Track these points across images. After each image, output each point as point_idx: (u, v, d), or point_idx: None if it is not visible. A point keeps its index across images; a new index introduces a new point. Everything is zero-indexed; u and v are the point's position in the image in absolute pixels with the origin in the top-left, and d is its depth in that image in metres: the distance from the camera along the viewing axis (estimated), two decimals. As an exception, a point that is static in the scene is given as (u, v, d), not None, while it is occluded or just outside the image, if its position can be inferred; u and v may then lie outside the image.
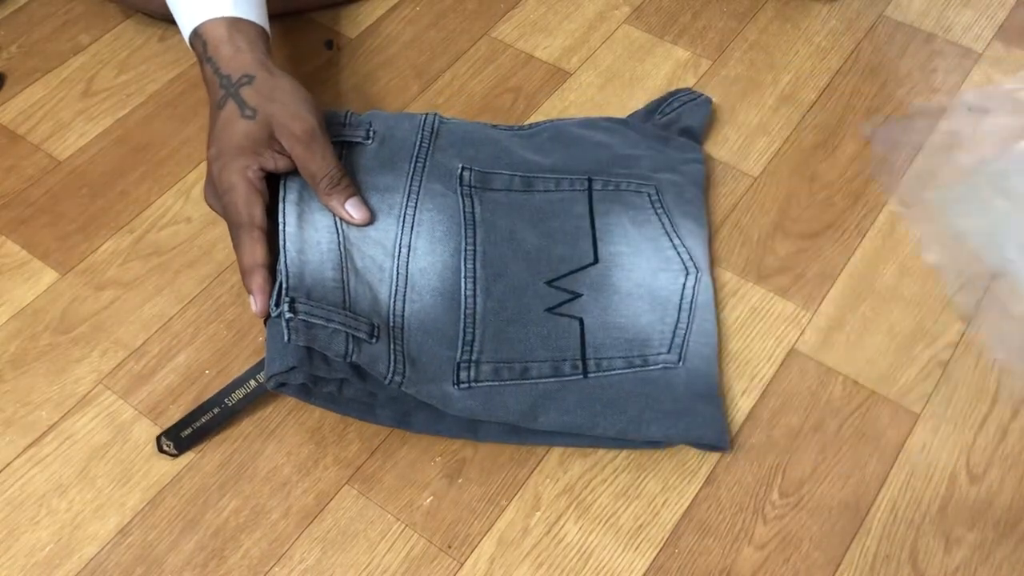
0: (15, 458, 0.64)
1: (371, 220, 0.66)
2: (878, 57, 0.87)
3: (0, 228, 0.75)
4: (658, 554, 0.61)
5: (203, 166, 0.78)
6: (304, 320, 0.59)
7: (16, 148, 0.80)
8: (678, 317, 0.67)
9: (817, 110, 0.83)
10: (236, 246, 0.63)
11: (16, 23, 0.89)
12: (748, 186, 0.78)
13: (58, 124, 0.82)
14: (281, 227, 0.64)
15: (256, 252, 0.62)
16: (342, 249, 0.64)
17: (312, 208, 0.66)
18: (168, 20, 0.88)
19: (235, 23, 0.68)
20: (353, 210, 0.65)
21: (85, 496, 0.62)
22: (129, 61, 0.86)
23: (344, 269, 0.63)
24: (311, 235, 0.64)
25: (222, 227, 0.75)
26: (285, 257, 0.62)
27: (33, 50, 0.87)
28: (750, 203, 0.77)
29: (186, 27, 0.69)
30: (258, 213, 0.63)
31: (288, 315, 0.59)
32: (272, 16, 0.73)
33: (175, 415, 0.65)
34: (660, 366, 0.64)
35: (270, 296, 0.61)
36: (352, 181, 0.67)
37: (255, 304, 0.62)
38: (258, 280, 0.62)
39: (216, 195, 0.65)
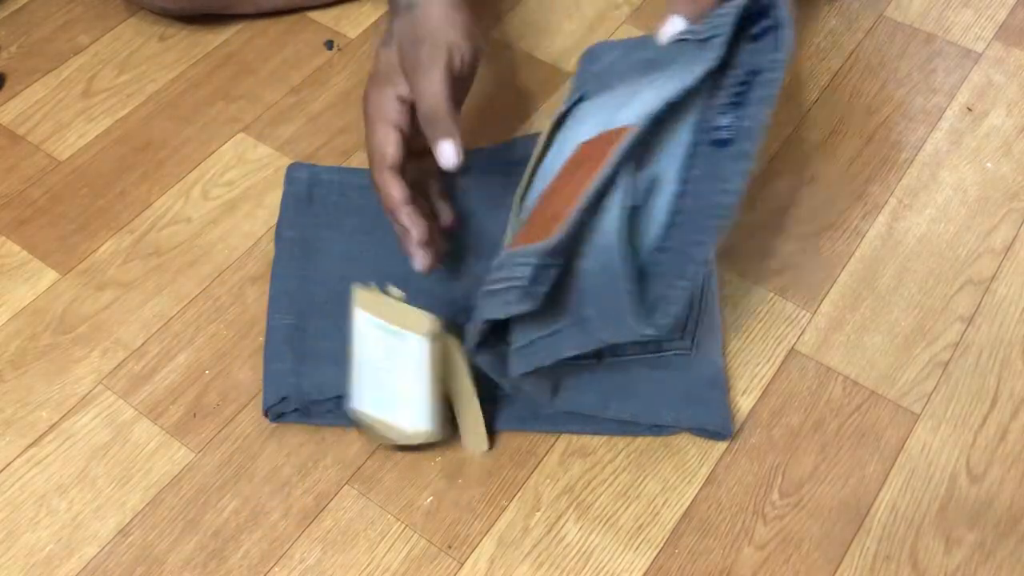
0: (15, 458, 0.64)
1: (456, 167, 0.61)
2: (878, 57, 0.87)
3: (0, 228, 0.75)
4: (658, 554, 0.61)
5: (203, 165, 0.78)
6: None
7: (16, 148, 0.80)
8: (691, 304, 0.67)
9: (817, 110, 0.83)
10: (374, 181, 0.64)
11: (16, 23, 0.89)
12: (747, 186, 0.78)
13: (58, 124, 0.82)
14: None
15: (393, 191, 0.63)
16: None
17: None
18: (169, 17, 0.88)
19: None
20: (441, 155, 0.61)
21: (85, 496, 0.62)
22: (129, 61, 0.86)
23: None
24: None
25: (222, 227, 0.75)
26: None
27: (33, 50, 0.87)
28: (749, 203, 0.77)
29: None
30: (390, 152, 0.63)
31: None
32: (272, 15, 0.73)
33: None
34: (673, 352, 0.64)
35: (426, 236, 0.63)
36: (452, 123, 0.61)
37: (418, 262, 0.63)
38: (404, 219, 0.62)
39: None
